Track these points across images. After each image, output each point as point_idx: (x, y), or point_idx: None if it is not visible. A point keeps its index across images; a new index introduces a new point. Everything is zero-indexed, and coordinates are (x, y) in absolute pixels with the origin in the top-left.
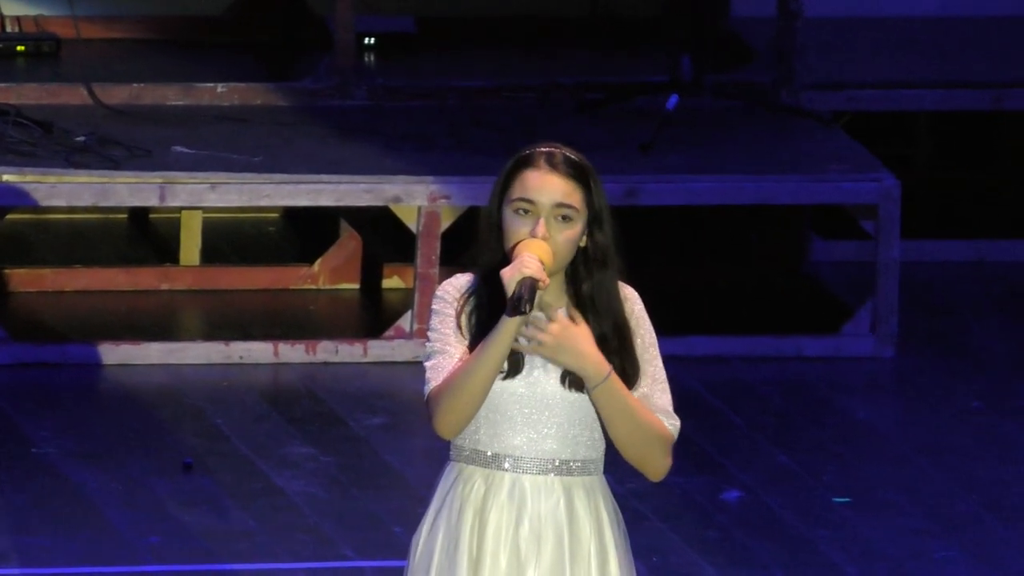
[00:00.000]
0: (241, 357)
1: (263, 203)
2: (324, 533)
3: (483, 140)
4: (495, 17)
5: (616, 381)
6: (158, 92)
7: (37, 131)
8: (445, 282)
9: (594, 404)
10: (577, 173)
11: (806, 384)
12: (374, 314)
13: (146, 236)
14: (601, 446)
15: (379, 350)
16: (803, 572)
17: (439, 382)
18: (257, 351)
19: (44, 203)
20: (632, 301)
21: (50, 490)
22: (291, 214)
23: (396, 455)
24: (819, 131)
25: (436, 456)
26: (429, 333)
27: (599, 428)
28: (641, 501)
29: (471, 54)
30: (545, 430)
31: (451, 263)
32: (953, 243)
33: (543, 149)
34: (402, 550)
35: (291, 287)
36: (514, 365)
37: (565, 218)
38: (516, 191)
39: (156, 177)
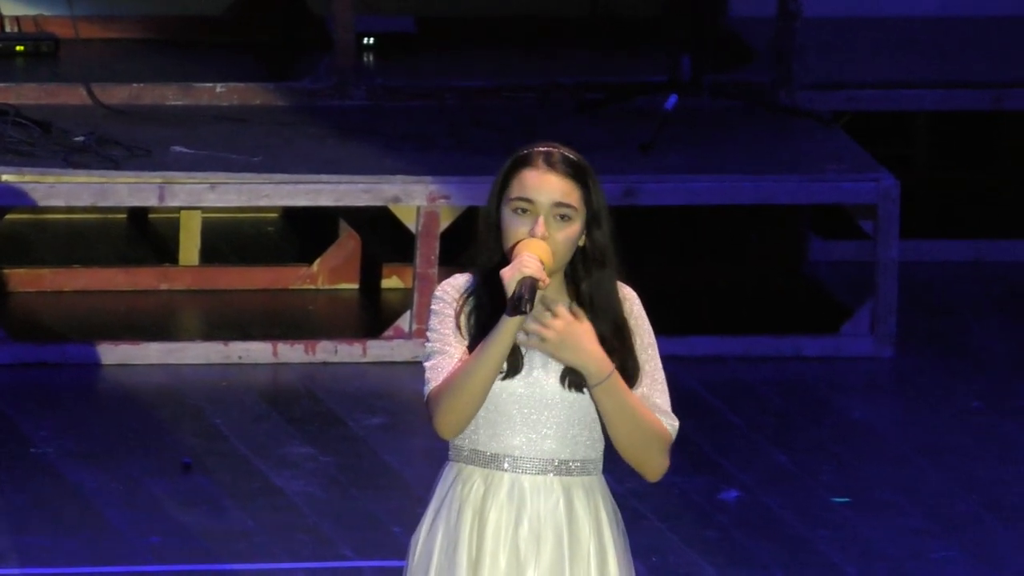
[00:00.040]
0: (240, 357)
1: (262, 203)
2: (323, 533)
3: (482, 140)
4: (495, 17)
5: (618, 380)
6: (157, 92)
7: (36, 131)
8: (444, 282)
9: (595, 402)
10: (575, 172)
11: (805, 384)
12: (373, 314)
13: (145, 236)
14: (600, 446)
15: (378, 350)
16: (802, 572)
17: (439, 382)
18: (256, 351)
19: (43, 203)
20: (631, 301)
21: (49, 490)
22: (290, 214)
23: (395, 455)
24: (818, 131)
25: (435, 456)
26: (428, 333)
27: (598, 428)
28: (640, 501)
29: (471, 54)
30: (544, 430)
31: (450, 263)
32: (952, 243)
33: (541, 149)
34: (401, 550)
35: (290, 287)
36: (513, 365)
37: (564, 217)
38: (514, 191)
39: (155, 177)
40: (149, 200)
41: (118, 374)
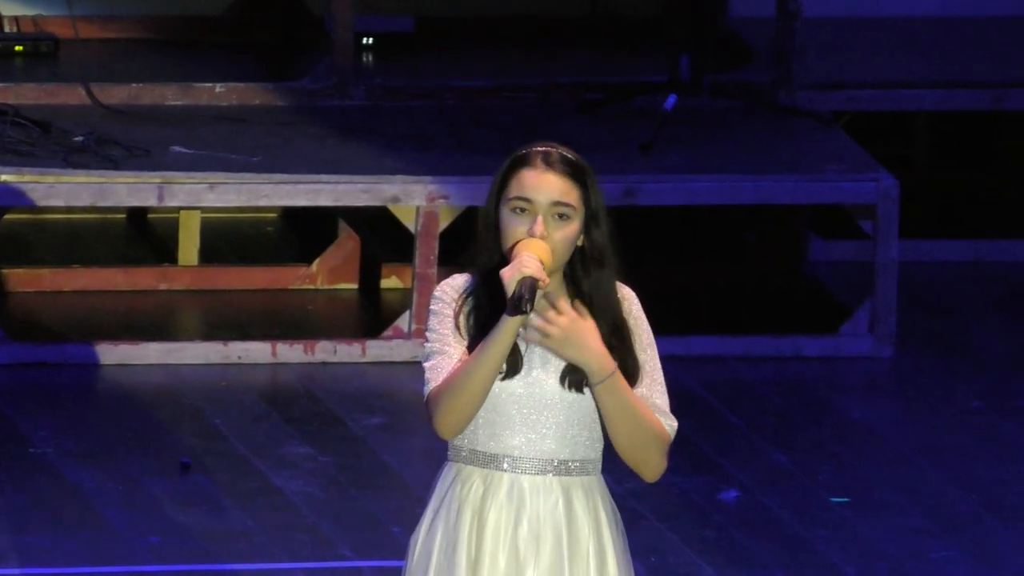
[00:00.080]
0: (239, 357)
1: (261, 203)
2: (322, 533)
3: (482, 140)
4: (494, 17)
5: (620, 378)
6: (156, 92)
7: (35, 131)
8: (443, 283)
9: (596, 401)
10: (574, 172)
11: (805, 384)
12: (372, 314)
13: (144, 236)
14: (599, 446)
15: (377, 350)
16: (802, 572)
17: (439, 382)
18: (255, 351)
19: (42, 203)
20: (630, 301)
21: (49, 490)
22: (289, 214)
23: (394, 455)
24: (818, 131)
25: (434, 456)
26: (428, 334)
27: (598, 428)
28: (639, 501)
29: (470, 54)
30: (544, 430)
31: (449, 263)
32: (952, 243)
33: (539, 148)
34: (400, 550)
35: (289, 287)
36: (513, 365)
37: (562, 216)
38: (513, 190)
39: (154, 177)
40: (148, 200)
41: (117, 374)
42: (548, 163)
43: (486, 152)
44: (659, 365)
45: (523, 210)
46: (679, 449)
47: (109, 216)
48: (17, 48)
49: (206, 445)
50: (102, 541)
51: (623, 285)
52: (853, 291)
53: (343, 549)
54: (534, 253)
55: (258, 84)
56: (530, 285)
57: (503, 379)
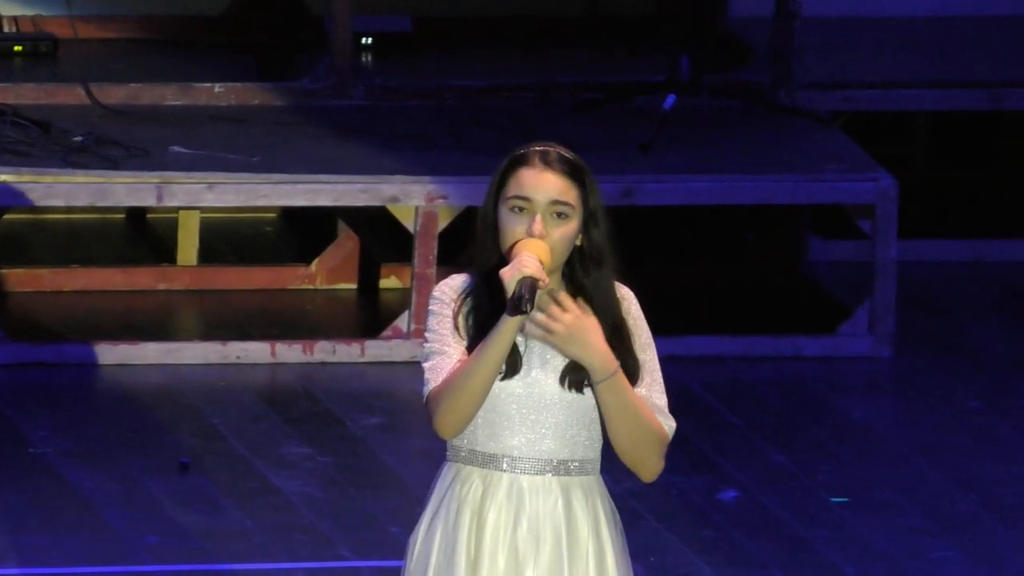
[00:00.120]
0: (238, 357)
1: (260, 203)
2: (321, 533)
3: (481, 140)
4: (493, 17)
5: (622, 377)
6: (156, 92)
7: (34, 131)
8: (441, 283)
9: (597, 400)
10: (572, 171)
11: (804, 384)
12: (371, 314)
13: (143, 236)
14: (598, 446)
15: (376, 350)
16: (801, 572)
17: (438, 383)
18: (254, 351)
19: (41, 203)
20: (629, 301)
21: (47, 490)
22: (288, 214)
23: (393, 455)
24: (817, 131)
25: (433, 456)
26: (427, 334)
27: (597, 428)
28: (638, 501)
29: (469, 54)
30: (543, 430)
31: (448, 263)
32: (951, 243)
33: (537, 148)
34: (399, 550)
35: (288, 287)
36: (512, 365)
37: (560, 215)
38: (511, 189)
39: (153, 177)
40: (147, 200)
41: (116, 374)
42: (546, 162)
43: (485, 152)
44: (658, 365)
45: (521, 209)
46: (678, 449)
47: (108, 216)
48: (16, 48)
49: (205, 445)
50: (101, 541)
51: (621, 285)
52: (852, 291)
53: (342, 549)
54: (533, 253)
55: (257, 84)
56: (530, 285)
57: (502, 379)
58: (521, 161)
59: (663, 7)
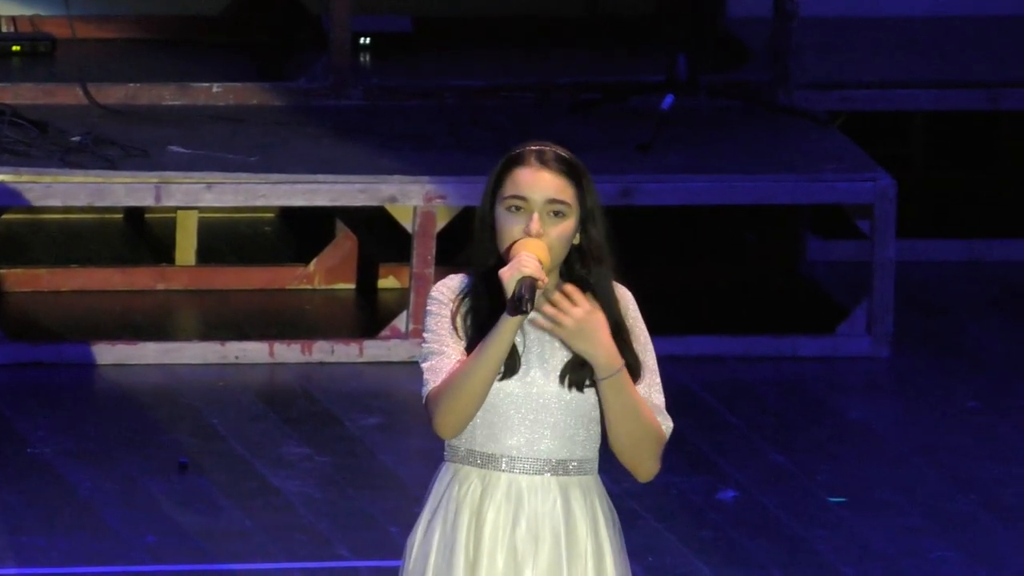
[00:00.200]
0: (237, 357)
1: (259, 203)
2: (320, 533)
3: (479, 140)
4: (492, 17)
5: (626, 375)
6: (154, 92)
7: (33, 131)
8: (439, 283)
9: (600, 397)
10: (568, 170)
11: (802, 384)
12: (370, 314)
13: (142, 236)
14: (596, 445)
15: (375, 350)
16: (799, 572)
17: (438, 383)
18: (253, 351)
19: (40, 203)
20: (627, 300)
21: (46, 490)
22: (287, 214)
23: (392, 455)
24: (815, 131)
25: (431, 456)
26: (425, 334)
27: (595, 428)
28: (636, 501)
29: (468, 54)
30: (542, 430)
31: (447, 263)
32: (949, 243)
33: (533, 147)
34: (397, 550)
35: (287, 287)
36: (511, 366)
37: (557, 214)
38: (508, 189)
39: (152, 177)
40: (146, 200)
41: (115, 374)
42: (542, 161)
43: (484, 152)
44: (656, 365)
45: (518, 208)
46: (677, 449)
47: (106, 216)
48: (14, 48)
49: (203, 445)
50: (99, 541)
51: (619, 285)
52: (851, 291)
53: (340, 549)
54: (532, 253)
55: (255, 84)
56: (530, 285)
57: (500, 379)
58: (517, 161)
59: (663, 7)
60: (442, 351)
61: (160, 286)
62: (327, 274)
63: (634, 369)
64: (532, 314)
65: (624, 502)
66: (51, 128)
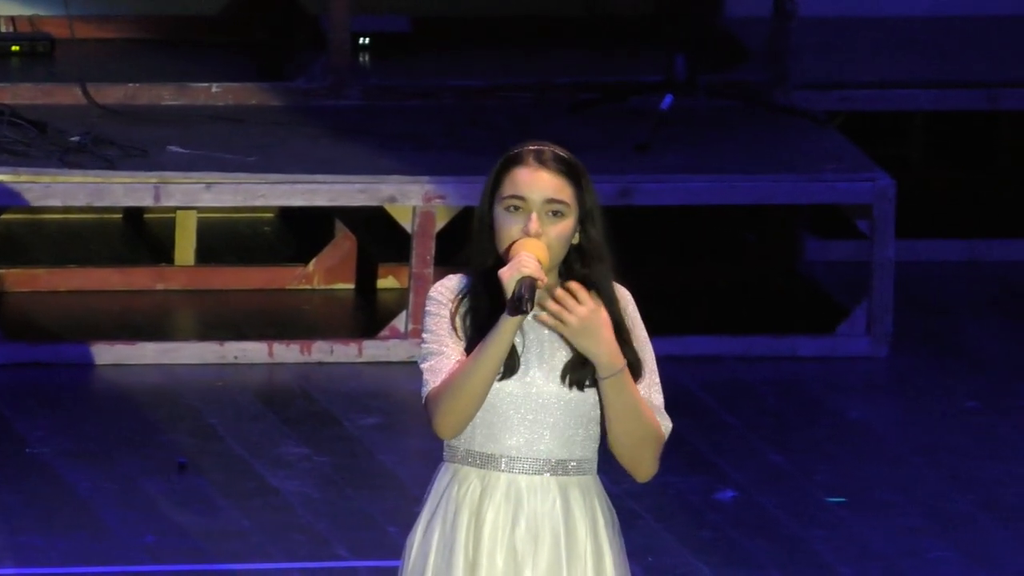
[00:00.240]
0: (236, 357)
1: (258, 203)
2: (319, 533)
3: (478, 140)
4: (491, 17)
5: (628, 374)
6: (153, 92)
7: (31, 131)
8: (437, 283)
9: (601, 397)
10: (566, 169)
11: (801, 384)
12: (369, 314)
13: (141, 236)
14: (596, 446)
15: (374, 350)
16: (798, 572)
17: (437, 383)
18: (252, 351)
19: (38, 203)
20: (626, 300)
21: (44, 490)
22: (286, 214)
23: (391, 455)
24: (814, 131)
25: (431, 456)
26: (424, 335)
27: (595, 428)
28: (636, 501)
29: (467, 54)
30: (541, 430)
31: (446, 263)
32: (948, 243)
33: (532, 147)
34: (396, 550)
35: (286, 287)
36: (510, 366)
37: (556, 213)
38: (506, 189)
39: (151, 177)
40: (145, 200)
41: (113, 374)
42: (541, 161)
43: (483, 152)
44: (655, 366)
45: (517, 208)
46: (676, 449)
47: (105, 216)
48: (13, 48)
49: (202, 445)
50: (98, 541)
51: (618, 285)
52: (850, 291)
53: (339, 549)
54: (532, 252)
55: (254, 84)
56: (530, 285)
57: (500, 380)
58: (515, 160)
59: (662, 7)
60: (441, 351)
61: (159, 286)
62: (326, 274)
63: (635, 368)
64: (536, 311)
65: (623, 502)
66: (50, 128)
